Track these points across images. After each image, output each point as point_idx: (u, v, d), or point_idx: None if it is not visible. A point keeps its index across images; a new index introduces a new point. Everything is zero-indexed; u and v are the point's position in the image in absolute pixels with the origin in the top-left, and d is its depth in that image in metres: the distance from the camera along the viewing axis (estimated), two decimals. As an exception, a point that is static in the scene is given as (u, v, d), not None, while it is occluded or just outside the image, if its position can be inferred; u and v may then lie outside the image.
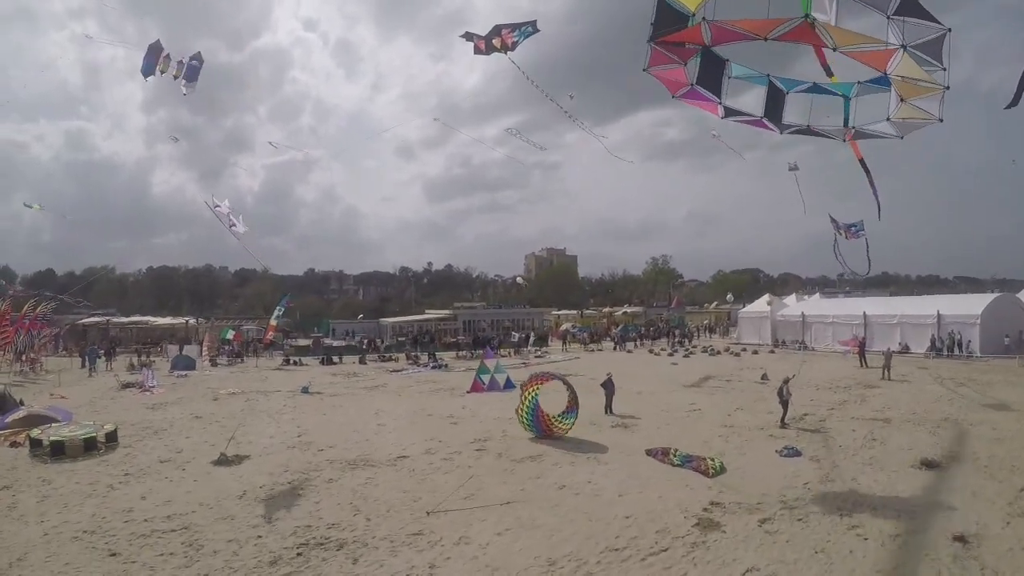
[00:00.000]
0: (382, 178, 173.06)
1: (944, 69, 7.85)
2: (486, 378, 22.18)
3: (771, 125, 9.46)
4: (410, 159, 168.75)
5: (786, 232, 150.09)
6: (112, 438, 13.82)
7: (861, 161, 10.49)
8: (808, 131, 9.60)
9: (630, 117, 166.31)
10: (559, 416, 14.40)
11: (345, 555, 7.81)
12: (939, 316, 30.45)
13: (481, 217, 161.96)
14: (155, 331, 43.11)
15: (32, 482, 10.98)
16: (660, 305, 62.55)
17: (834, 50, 7.91)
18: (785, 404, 14.81)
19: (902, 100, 8.65)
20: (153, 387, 22.77)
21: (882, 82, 8.66)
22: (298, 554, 7.86)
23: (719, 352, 34.74)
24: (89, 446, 12.99)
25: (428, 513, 9.24)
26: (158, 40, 16.07)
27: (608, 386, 17.11)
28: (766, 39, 7.82)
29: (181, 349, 32.71)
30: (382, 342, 41.11)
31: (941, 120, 8.58)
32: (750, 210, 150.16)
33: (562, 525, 8.70)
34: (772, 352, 35.01)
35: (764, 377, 16.23)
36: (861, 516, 8.73)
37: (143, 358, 31.73)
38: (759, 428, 14.71)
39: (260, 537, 8.46)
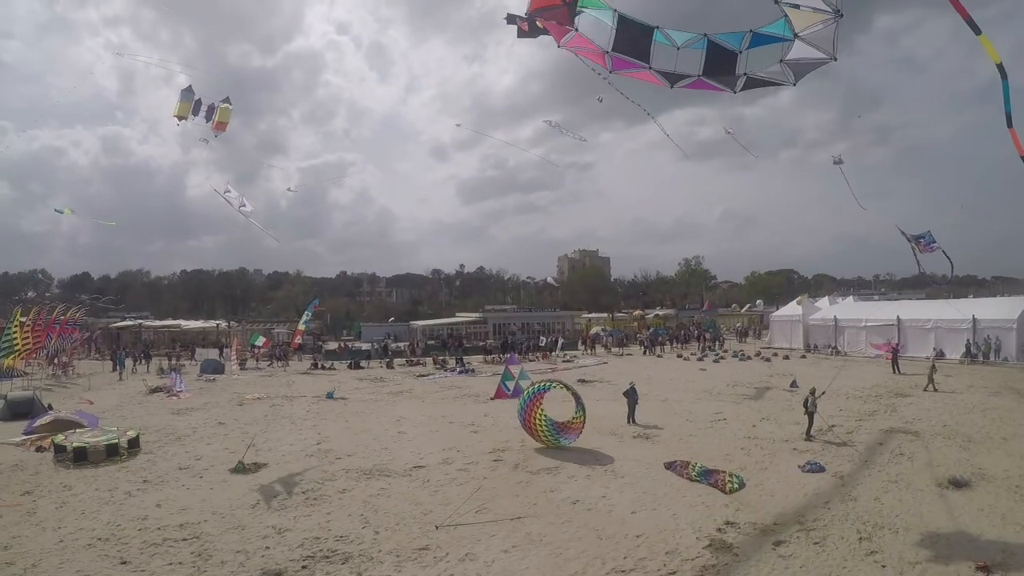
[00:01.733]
0: (416, 180, 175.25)
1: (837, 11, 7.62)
2: (510, 384, 22.26)
3: (715, 84, 9.05)
4: (444, 160, 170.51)
5: (821, 232, 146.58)
6: (134, 444, 14.31)
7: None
8: (753, 81, 9.06)
9: (664, 116, 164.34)
10: (572, 418, 14.73)
11: (349, 569, 7.91)
12: (974, 321, 29.58)
13: (515, 218, 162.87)
14: (187, 335, 44.43)
15: (53, 488, 11.45)
16: (692, 307, 61.95)
17: None
18: (811, 416, 14.43)
19: (796, 36, 8.20)
20: (180, 392, 23.34)
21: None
22: (303, 567, 7.98)
23: (749, 357, 34.47)
24: (111, 452, 13.46)
25: (437, 527, 9.27)
26: (190, 86, 16.45)
27: (631, 395, 16.92)
28: None
29: (220, 352, 33.57)
30: (411, 345, 41.41)
31: (835, 59, 8.25)
32: (785, 210, 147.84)
33: (570, 543, 8.63)
34: (803, 357, 34.56)
35: (793, 384, 15.84)
36: (881, 540, 8.42)
37: (173, 362, 32.70)
38: (784, 440, 14.40)
39: (268, 548, 8.63)
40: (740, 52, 8.36)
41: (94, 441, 13.62)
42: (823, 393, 15.25)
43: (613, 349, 40.89)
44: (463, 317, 54.92)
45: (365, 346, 41.73)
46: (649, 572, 7.67)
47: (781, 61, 8.54)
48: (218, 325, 46.79)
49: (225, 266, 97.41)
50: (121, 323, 42.67)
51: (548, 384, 15.21)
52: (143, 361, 32.80)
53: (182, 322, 48.31)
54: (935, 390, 20.59)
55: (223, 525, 9.55)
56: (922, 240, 18.55)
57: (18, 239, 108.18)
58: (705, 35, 8.40)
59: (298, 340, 36.15)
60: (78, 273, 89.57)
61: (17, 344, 23.70)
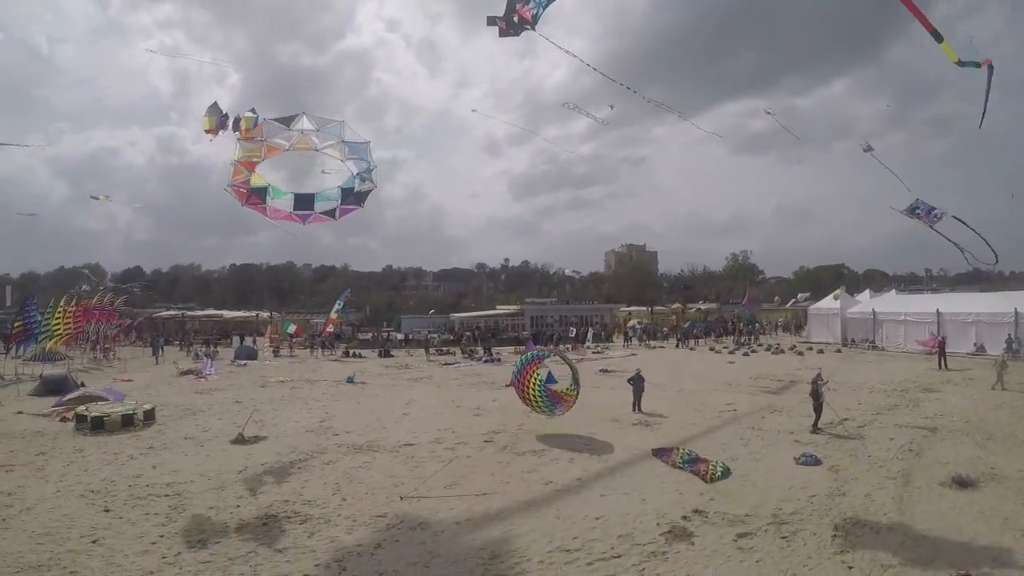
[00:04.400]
0: (468, 175, 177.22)
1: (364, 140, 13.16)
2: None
3: (354, 205, 13.32)
4: (497, 156, 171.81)
5: (875, 227, 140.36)
6: (150, 416, 15.57)
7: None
8: (362, 203, 13.49)
9: (717, 109, 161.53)
10: (568, 389, 15.28)
11: (304, 529, 8.58)
12: (1016, 314, 28.28)
13: (568, 214, 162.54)
14: (228, 323, 46.87)
15: (66, 450, 12.76)
16: (735, 301, 60.92)
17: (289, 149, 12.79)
18: (818, 408, 14.28)
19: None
20: (209, 375, 24.94)
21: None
22: (263, 524, 8.73)
23: (783, 351, 34.12)
24: (127, 422, 14.72)
25: (401, 498, 9.86)
26: (215, 102, 17.94)
27: (637, 382, 17.12)
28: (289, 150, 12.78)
29: (243, 340, 35.41)
30: (457, 336, 42.29)
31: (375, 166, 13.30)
32: (838, 204, 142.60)
33: (526, 521, 8.95)
34: (839, 352, 33.89)
35: (818, 377, 15.63)
36: (858, 539, 8.13)
37: (207, 348, 34.69)
38: (789, 432, 14.24)
39: (238, 507, 9.45)
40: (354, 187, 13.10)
41: (111, 412, 14.92)
42: (826, 383, 15.07)
43: (646, 342, 41.00)
44: (502, 309, 55.89)
45: (400, 336, 43.08)
46: (593, 554, 7.81)
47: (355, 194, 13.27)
48: (257, 315, 49.13)
49: (274, 260, 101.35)
50: (165, 312, 45.34)
51: (547, 352, 16.03)
52: (180, 347, 34.94)
53: (224, 312, 50.97)
54: (1003, 388, 19.44)
55: (206, 486, 10.46)
56: (919, 211, 17.82)
57: (75, 235, 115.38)
58: (339, 187, 13.12)
59: (330, 328, 37.74)
60: (131, 267, 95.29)
61: (59, 329, 25.78)
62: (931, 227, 17.84)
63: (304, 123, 12.50)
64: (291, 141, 12.55)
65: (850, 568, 7.37)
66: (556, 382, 16.17)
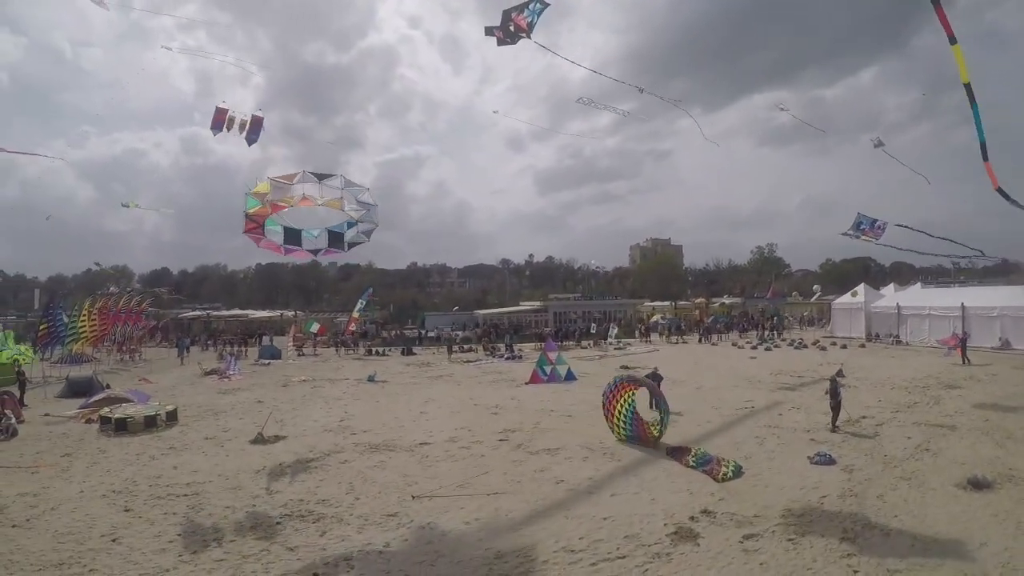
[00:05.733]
0: (492, 171, 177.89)
1: (366, 188, 13.68)
2: (547, 369, 23.03)
3: (336, 248, 13.53)
4: (521, 151, 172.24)
5: (901, 219, 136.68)
6: (172, 417, 16.08)
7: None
8: (352, 244, 13.68)
9: (744, 101, 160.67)
10: (654, 424, 13.64)
11: (316, 528, 8.83)
12: None
13: (593, 208, 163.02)
14: (253, 323, 47.84)
15: (90, 451, 13.29)
16: (760, 296, 60.47)
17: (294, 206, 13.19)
18: (837, 406, 14.12)
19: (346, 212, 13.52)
20: (232, 374, 25.58)
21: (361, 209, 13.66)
22: (277, 523, 9.02)
23: (806, 346, 34.06)
24: (149, 423, 15.23)
25: (413, 498, 10.08)
26: (224, 101, 18.57)
27: (653, 379, 17.10)
28: (293, 207, 13.14)
29: (262, 340, 36.16)
30: (481, 333, 42.54)
31: (376, 205, 13.80)
32: (864, 196, 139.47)
33: (534, 520, 9.07)
34: (862, 347, 33.58)
35: (840, 374, 15.46)
36: (866, 542, 8.04)
37: (232, 348, 35.50)
38: (805, 430, 14.12)
39: (254, 506, 9.76)
40: (344, 232, 13.49)
41: (135, 413, 15.45)
42: (843, 382, 14.95)
43: (669, 337, 41.06)
44: (525, 306, 56.12)
45: (431, 333, 43.51)
46: (598, 554, 7.88)
47: (361, 232, 13.68)
48: (281, 314, 50.05)
49: (298, 259, 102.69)
50: (191, 313, 46.47)
51: (632, 378, 14.73)
52: (204, 347, 35.81)
53: (250, 312, 52.03)
54: None
55: (223, 485, 10.81)
56: (863, 226, 17.80)
57: (103, 237, 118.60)
58: (326, 228, 13.43)
59: (352, 327, 38.30)
60: (158, 268, 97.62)
61: (85, 331, 26.64)
62: (875, 241, 17.99)
63: (339, 183, 13.34)
64: (324, 198, 13.31)
65: (855, 572, 7.30)
66: (635, 406, 14.21)
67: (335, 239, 13.52)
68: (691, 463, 11.64)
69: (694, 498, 9.87)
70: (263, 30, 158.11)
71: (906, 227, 17.99)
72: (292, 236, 13.10)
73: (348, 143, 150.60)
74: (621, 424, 13.85)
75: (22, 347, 26.30)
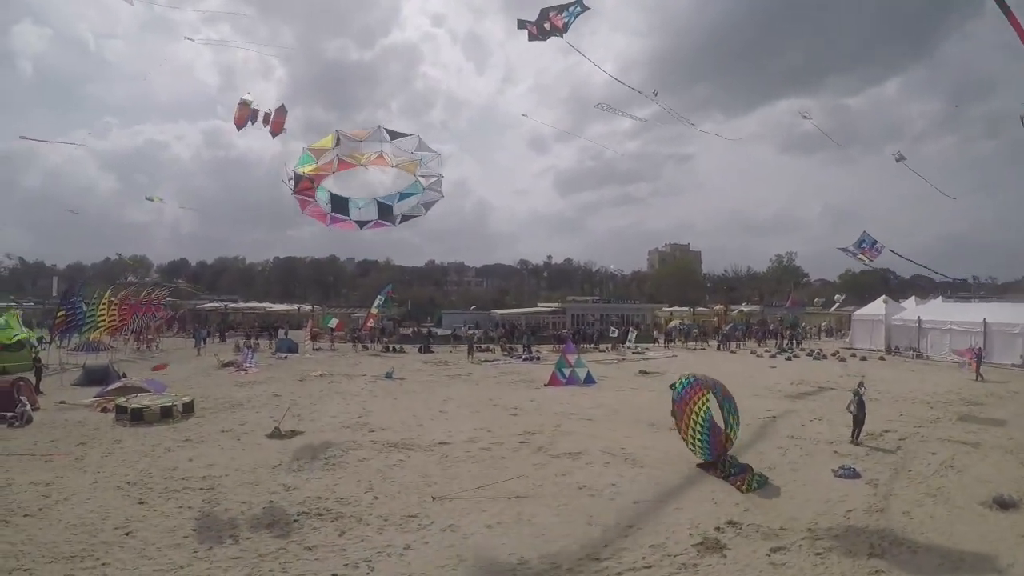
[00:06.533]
0: (514, 171, 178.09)
1: (437, 153, 13.10)
2: (566, 372, 22.73)
3: (386, 222, 13.16)
4: (542, 152, 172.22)
5: (923, 231, 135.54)
6: (188, 408, 15.97)
7: None
8: (404, 217, 13.35)
9: (767, 107, 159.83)
10: (731, 431, 11.30)
11: (335, 527, 8.59)
12: None
13: (613, 210, 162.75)
14: (270, 316, 48.02)
15: (105, 441, 13.17)
16: (778, 304, 60.00)
17: (362, 166, 12.72)
18: (856, 419, 13.80)
19: (416, 177, 13.14)
20: (249, 367, 25.57)
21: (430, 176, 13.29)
22: (294, 520, 8.79)
23: (825, 356, 33.81)
24: (165, 414, 15.14)
25: (433, 499, 9.81)
26: (248, 92, 18.43)
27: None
28: (334, 172, 12.63)
29: (277, 334, 36.23)
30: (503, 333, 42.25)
31: (443, 176, 13.49)
32: (886, 206, 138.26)
33: (557, 526, 8.80)
34: (882, 359, 33.27)
35: (860, 386, 15.23)
36: (894, 559, 7.81)
37: (249, 340, 35.58)
38: (828, 443, 13.80)
39: (271, 503, 9.54)
40: (393, 204, 13.11)
41: (151, 403, 15.36)
42: (865, 391, 14.58)
43: (687, 343, 40.87)
44: (543, 307, 55.90)
45: (444, 332, 43.34)
46: (624, 563, 7.66)
47: (420, 204, 13.36)
48: (299, 308, 50.21)
49: (317, 253, 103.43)
50: (208, 304, 46.74)
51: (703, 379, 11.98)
52: (221, 339, 35.95)
53: (267, 305, 52.26)
54: None
55: (240, 480, 10.62)
56: (864, 245, 17.63)
57: (123, 228, 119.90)
58: (374, 198, 13.02)
59: (370, 324, 38.25)
60: (176, 259, 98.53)
61: (103, 321, 26.78)
62: (870, 262, 17.99)
63: (412, 144, 12.51)
64: (398, 159, 12.59)
65: (883, 589, 7.05)
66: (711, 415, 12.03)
67: (384, 211, 12.83)
68: (725, 472, 11.25)
69: (719, 508, 9.62)
70: (287, 26, 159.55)
71: (898, 255, 18.26)
72: (339, 204, 12.51)
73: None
74: (696, 440, 11.92)
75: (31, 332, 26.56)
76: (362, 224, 13.18)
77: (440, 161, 12.95)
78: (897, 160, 20.15)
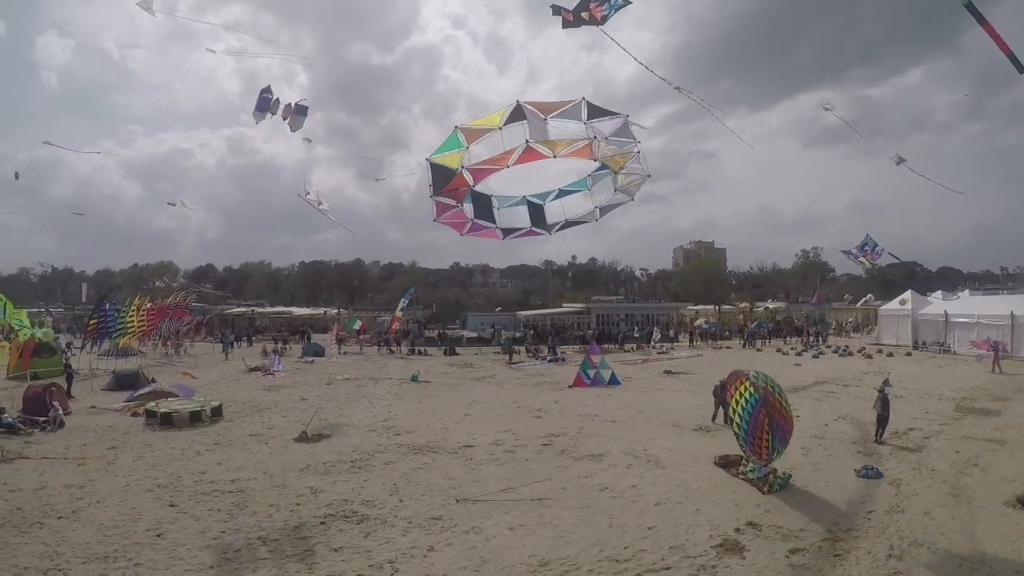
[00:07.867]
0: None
1: (638, 141, 10.76)
2: (590, 373, 22.75)
3: (539, 231, 11.94)
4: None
5: (951, 223, 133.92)
6: (217, 413, 16.35)
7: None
8: (567, 224, 12.10)
9: (789, 101, 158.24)
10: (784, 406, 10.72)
11: (360, 529, 8.78)
12: None
13: (638, 208, 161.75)
14: (296, 320, 48.80)
15: (136, 445, 13.58)
16: (804, 300, 59.20)
17: (554, 158, 10.78)
18: (880, 418, 13.68)
19: (616, 172, 11.43)
20: (276, 371, 26.02)
21: (603, 168, 11.46)
22: (321, 523, 9.00)
23: (851, 353, 33.29)
24: (194, 418, 15.52)
25: (457, 501, 9.95)
26: (268, 86, 18.64)
27: (720, 393, 16.48)
28: (508, 166, 10.66)
29: (303, 337, 36.80)
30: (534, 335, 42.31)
31: (650, 176, 11.57)
32: (913, 198, 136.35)
33: (578, 528, 8.89)
34: (908, 355, 32.69)
35: (886, 383, 15.01)
36: (914, 560, 7.80)
37: (276, 344, 36.18)
38: (852, 442, 13.70)
39: (299, 505, 9.78)
40: (544, 204, 11.61)
41: (180, 408, 15.77)
42: (891, 388, 14.40)
43: (711, 342, 40.70)
44: (568, 308, 55.90)
45: (472, 334, 43.56)
46: (643, 564, 7.74)
47: (596, 207, 11.93)
48: (325, 312, 50.91)
49: (343, 257, 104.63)
50: (235, 309, 47.66)
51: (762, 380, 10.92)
52: (248, 343, 36.64)
53: (293, 309, 53.10)
54: None
55: (268, 483, 10.88)
56: (867, 247, 17.39)
57: (149, 234, 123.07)
58: (524, 197, 11.45)
59: (395, 327, 38.61)
60: (203, 265, 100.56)
61: (132, 326, 27.50)
62: (871, 264, 17.79)
63: (612, 127, 9.75)
64: (603, 151, 9.97)
65: (902, 589, 7.04)
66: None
67: (536, 216, 10.97)
68: (747, 474, 11.16)
69: (739, 509, 9.64)
70: (307, 31, 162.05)
71: (895, 257, 18.43)
72: (481, 206, 10.67)
73: (393, 143, 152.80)
74: (739, 418, 11.04)
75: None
76: (507, 233, 11.44)
77: (643, 155, 10.58)
78: (897, 163, 19.77)
